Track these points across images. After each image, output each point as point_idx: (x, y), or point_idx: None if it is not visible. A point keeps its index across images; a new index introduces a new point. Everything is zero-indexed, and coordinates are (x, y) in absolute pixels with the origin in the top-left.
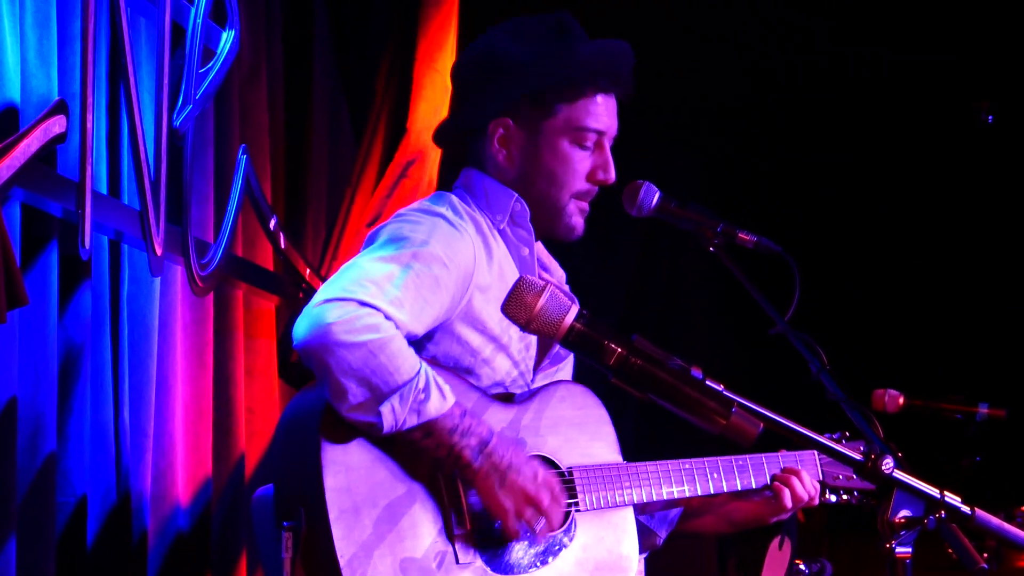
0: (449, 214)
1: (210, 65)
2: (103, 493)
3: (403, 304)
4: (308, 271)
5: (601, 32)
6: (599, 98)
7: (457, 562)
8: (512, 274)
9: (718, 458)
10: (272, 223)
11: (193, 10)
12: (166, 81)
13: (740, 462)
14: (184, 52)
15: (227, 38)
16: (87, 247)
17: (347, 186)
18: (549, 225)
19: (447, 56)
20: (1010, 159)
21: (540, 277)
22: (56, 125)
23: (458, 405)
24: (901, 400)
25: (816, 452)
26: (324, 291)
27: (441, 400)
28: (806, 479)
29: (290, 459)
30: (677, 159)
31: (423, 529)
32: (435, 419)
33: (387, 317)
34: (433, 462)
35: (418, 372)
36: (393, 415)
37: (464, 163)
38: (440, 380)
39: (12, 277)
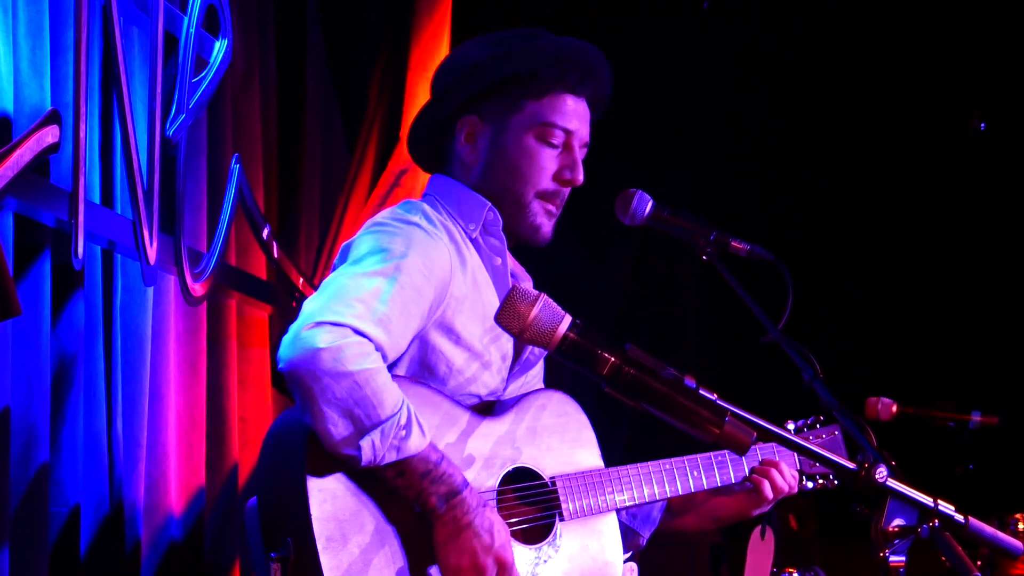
0: (423, 223)
1: (203, 74)
2: (96, 503)
3: (390, 322)
4: (301, 280)
5: (590, 39)
6: (568, 99)
7: None
8: (486, 283)
9: (697, 455)
10: (265, 232)
11: (186, 20)
12: (159, 90)
13: (719, 457)
14: (177, 61)
15: (220, 47)
16: (80, 257)
17: (340, 195)
18: (513, 224)
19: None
20: (1002, 167)
21: (516, 279)
22: (49, 135)
23: (434, 448)
24: (894, 408)
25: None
26: (311, 310)
27: (420, 437)
28: (785, 470)
29: (276, 485)
30: (669, 168)
31: (411, 557)
32: (411, 458)
33: (376, 346)
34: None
35: (400, 408)
36: (372, 450)
37: (433, 170)
38: (420, 418)
39: (5, 287)
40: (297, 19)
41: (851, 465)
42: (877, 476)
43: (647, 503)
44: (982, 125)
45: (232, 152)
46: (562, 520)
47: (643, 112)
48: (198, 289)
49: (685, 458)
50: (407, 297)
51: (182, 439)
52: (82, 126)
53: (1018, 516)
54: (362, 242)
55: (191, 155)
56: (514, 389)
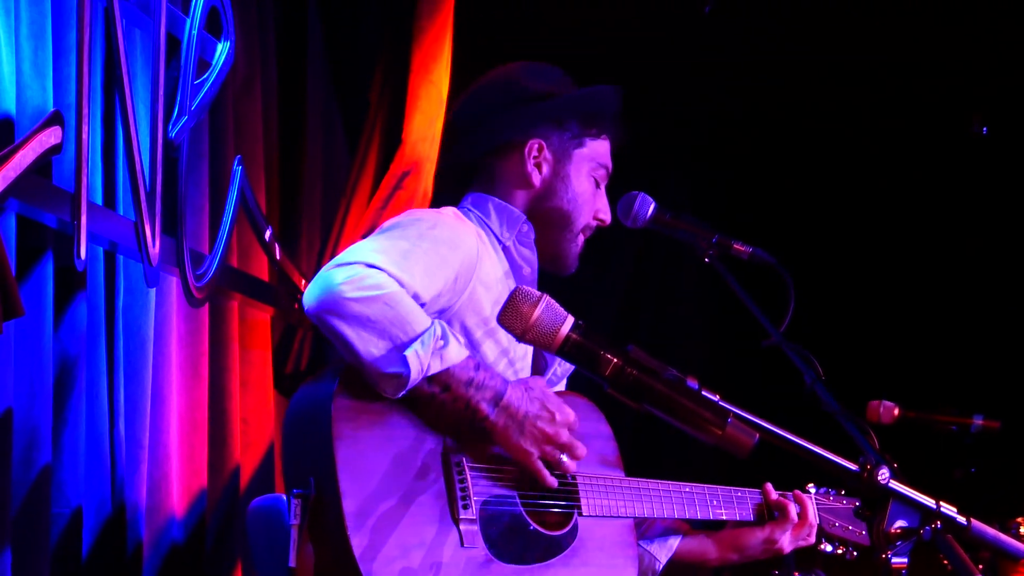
0: (453, 214)
1: (205, 76)
2: (98, 504)
3: (411, 270)
4: (303, 282)
5: (590, 50)
6: (607, 143)
7: (462, 545)
8: (512, 285)
9: (719, 487)
10: (267, 234)
11: (188, 21)
12: (161, 92)
13: (739, 494)
14: (179, 63)
15: (222, 49)
16: (82, 258)
17: (342, 197)
18: (555, 249)
19: (442, 67)
20: (1004, 171)
21: None
22: (51, 136)
23: (472, 357)
24: (896, 411)
25: (813, 496)
26: (330, 263)
27: (459, 347)
28: (808, 504)
29: (301, 437)
30: (670, 171)
31: (430, 510)
32: (453, 369)
33: (393, 277)
34: (453, 423)
35: (434, 321)
36: (418, 360)
37: (463, 189)
38: (454, 332)
39: (7, 288)
40: (299, 22)
41: (853, 467)
42: (879, 478)
43: (663, 527)
44: (983, 129)
45: (234, 154)
46: (580, 515)
47: (645, 115)
48: (200, 291)
49: (707, 487)
50: (430, 260)
51: (184, 441)
52: (84, 127)
53: (1020, 520)
54: (388, 222)
55: (193, 157)
56: None
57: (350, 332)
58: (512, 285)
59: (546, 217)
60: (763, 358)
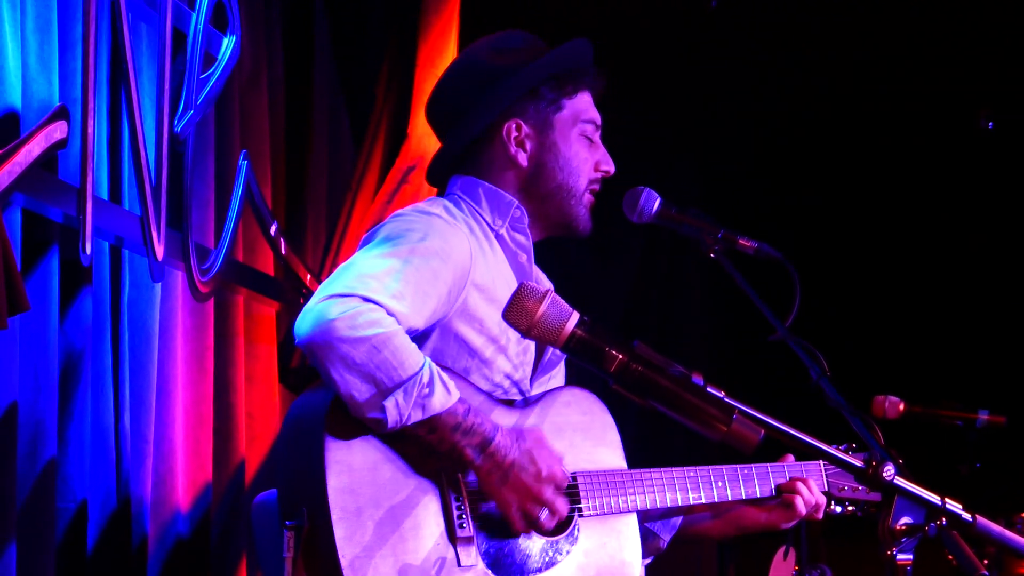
0: (443, 214)
1: (211, 71)
2: (103, 498)
3: (404, 297)
4: (309, 277)
5: (598, 36)
6: (587, 95)
7: (459, 565)
8: (509, 277)
9: (723, 467)
10: (273, 229)
11: (194, 16)
12: (167, 87)
13: (745, 471)
14: (185, 58)
15: (228, 44)
16: (88, 252)
17: (348, 192)
18: (565, 218)
19: (448, 62)
20: (1010, 167)
21: (537, 282)
22: (57, 131)
23: (462, 402)
24: (901, 406)
25: (821, 462)
26: (324, 288)
27: (446, 395)
28: (812, 486)
29: (294, 459)
30: (675, 165)
31: (425, 531)
32: (439, 415)
33: (389, 312)
34: (437, 462)
35: (422, 367)
36: (397, 410)
37: (451, 174)
38: (444, 376)
39: (13, 282)
40: (305, 16)
41: (859, 463)
42: (884, 474)
43: (668, 508)
44: (990, 125)
45: (240, 149)
46: (581, 516)
47: (650, 109)
48: (206, 285)
49: (711, 468)
50: (422, 278)
51: (189, 435)
52: (90, 122)
53: None
54: (380, 231)
55: (199, 151)
56: (538, 387)
57: (335, 373)
58: (508, 277)
59: (545, 191)
60: (769, 353)
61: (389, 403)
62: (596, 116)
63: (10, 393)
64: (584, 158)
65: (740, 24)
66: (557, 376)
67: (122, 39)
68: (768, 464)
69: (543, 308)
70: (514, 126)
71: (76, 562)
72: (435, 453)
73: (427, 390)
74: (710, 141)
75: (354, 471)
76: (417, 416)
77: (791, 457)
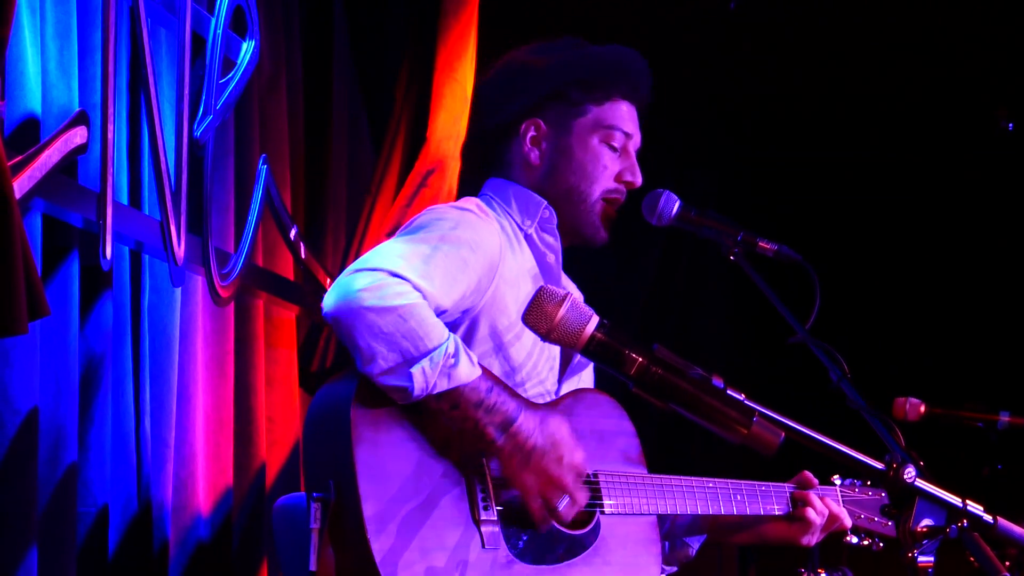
0: (476, 210)
1: (230, 75)
2: (124, 503)
3: (433, 278)
4: (328, 281)
5: (617, 41)
6: (624, 105)
7: (483, 547)
8: (537, 277)
9: (742, 482)
10: (292, 233)
11: (213, 20)
12: (186, 91)
13: (763, 488)
14: (204, 62)
15: (247, 48)
16: (108, 257)
17: (367, 195)
18: (575, 223)
19: (467, 65)
20: None
21: (562, 287)
22: (77, 136)
23: (485, 378)
24: (922, 408)
25: (838, 488)
26: (353, 265)
27: (471, 367)
28: (828, 501)
29: (321, 439)
30: (694, 168)
31: (450, 511)
32: (463, 388)
33: (415, 288)
34: (461, 445)
35: (448, 338)
36: (424, 377)
37: (486, 175)
38: (468, 349)
39: (33, 288)
40: (323, 20)
41: (879, 465)
42: (905, 476)
43: (690, 519)
44: (1010, 125)
45: (259, 153)
46: (603, 514)
47: (670, 112)
48: (226, 290)
49: (730, 481)
50: (452, 264)
51: (210, 439)
52: (110, 127)
53: None
54: (413, 221)
55: (219, 156)
56: (567, 388)
57: (361, 341)
58: (537, 277)
59: (557, 194)
60: (789, 356)
61: (416, 370)
62: (626, 126)
63: (31, 398)
64: (602, 165)
65: (759, 25)
66: (586, 378)
67: (141, 44)
68: (787, 484)
69: (562, 312)
70: (533, 126)
71: (97, 567)
72: (458, 433)
73: (453, 360)
74: (729, 143)
75: (381, 447)
76: (443, 385)
77: (806, 473)
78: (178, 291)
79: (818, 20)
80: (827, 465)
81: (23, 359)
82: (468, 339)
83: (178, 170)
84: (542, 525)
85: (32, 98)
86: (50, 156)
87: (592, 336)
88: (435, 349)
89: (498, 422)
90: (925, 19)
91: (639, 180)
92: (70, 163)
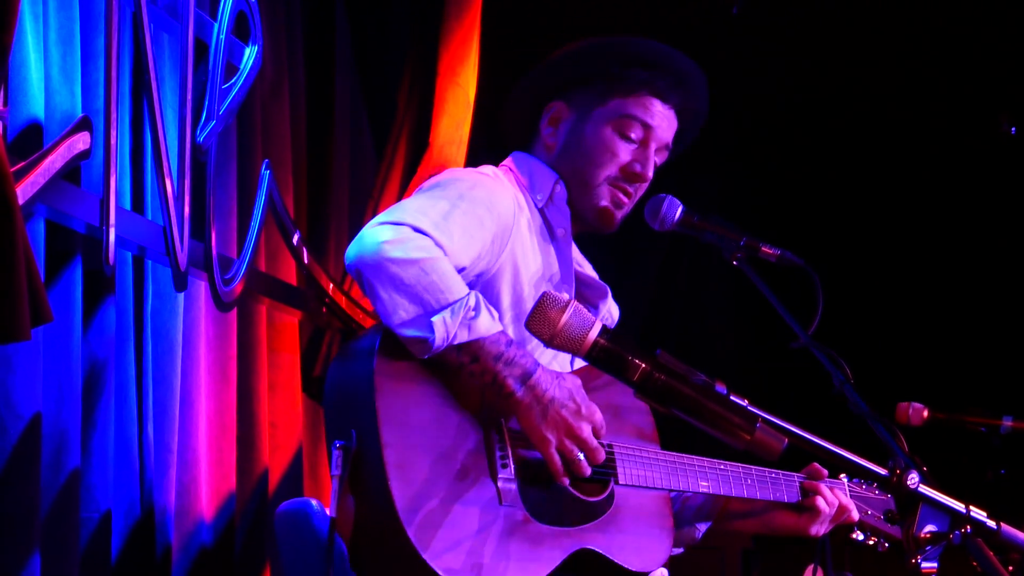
0: (491, 175)
1: (233, 81)
2: (127, 508)
3: (452, 234)
4: (331, 286)
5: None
6: (656, 103)
7: (500, 503)
8: (546, 247)
9: (753, 467)
10: (295, 238)
11: (216, 26)
12: (189, 97)
13: (774, 475)
14: (207, 68)
15: (250, 54)
16: (111, 263)
17: (369, 200)
18: (580, 206)
19: (469, 71)
20: None
21: (575, 262)
22: (80, 141)
23: (504, 334)
24: (925, 413)
25: (845, 482)
26: (376, 219)
27: (491, 320)
28: (837, 491)
29: (343, 391)
30: (696, 174)
31: (470, 466)
32: (483, 341)
33: (437, 243)
34: (480, 400)
35: (469, 292)
36: (445, 327)
37: (516, 146)
38: (489, 305)
39: (36, 293)
40: (326, 25)
41: (882, 471)
42: (909, 482)
43: (699, 503)
44: (1012, 129)
45: (262, 158)
46: (617, 484)
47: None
48: (228, 295)
49: (742, 465)
50: (468, 221)
51: (213, 444)
52: (113, 132)
53: None
54: (430, 180)
55: (221, 161)
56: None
57: (383, 292)
58: (547, 246)
59: (565, 174)
60: (791, 361)
61: (437, 320)
62: (647, 116)
63: (34, 403)
64: (611, 153)
65: (761, 30)
66: None
67: (144, 50)
68: (797, 474)
69: (565, 317)
70: (555, 107)
71: (100, 572)
72: (478, 387)
73: (473, 313)
74: (732, 148)
75: (402, 397)
76: (463, 336)
77: (816, 464)
78: (181, 296)
79: (821, 24)
80: (831, 470)
81: (26, 364)
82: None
83: (181, 175)
84: (559, 477)
85: (35, 104)
86: (53, 162)
87: (595, 342)
88: (456, 302)
89: (518, 375)
90: (929, 24)
91: (648, 173)
92: (73, 168)
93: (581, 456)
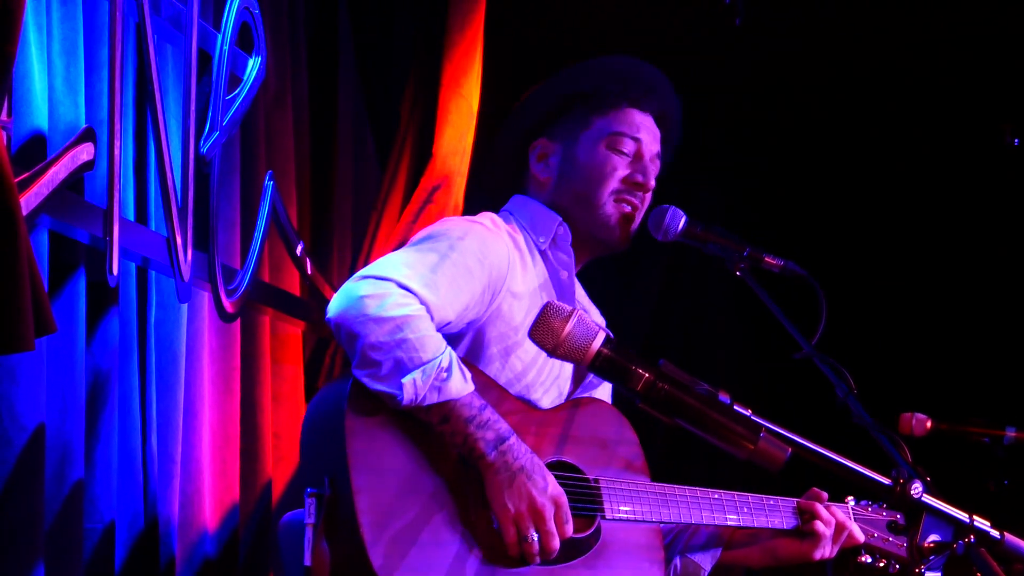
0: (487, 223)
1: (236, 92)
2: (131, 519)
3: (438, 288)
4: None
5: (620, 54)
6: (635, 112)
7: (475, 546)
8: (549, 292)
9: (749, 494)
10: (298, 249)
11: (219, 37)
12: (193, 108)
13: (771, 502)
14: (211, 79)
15: (253, 64)
16: (114, 274)
17: (373, 211)
18: (590, 228)
19: (472, 81)
20: None
21: (577, 303)
22: (84, 152)
23: (478, 397)
24: (929, 424)
25: (849, 505)
26: (359, 273)
27: (463, 382)
28: (834, 509)
29: (317, 437)
30: (700, 185)
31: (446, 508)
32: (454, 403)
33: (421, 301)
34: (449, 453)
35: (443, 352)
36: (414, 388)
37: (510, 193)
38: (464, 367)
39: (40, 304)
40: (329, 36)
41: (886, 481)
42: (912, 492)
43: (706, 538)
44: (1016, 140)
45: (265, 169)
46: (603, 519)
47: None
48: (232, 306)
49: (736, 494)
50: (457, 272)
51: (216, 455)
52: (116, 144)
53: None
54: (423, 232)
55: (225, 172)
56: None
57: (359, 347)
58: (549, 293)
59: (568, 203)
60: (795, 371)
61: (407, 380)
62: (632, 130)
63: (38, 415)
64: (610, 167)
65: (765, 41)
66: (602, 395)
67: (148, 61)
68: (795, 499)
69: (569, 327)
70: (540, 144)
71: None
72: (445, 444)
73: (445, 374)
74: (735, 158)
75: (375, 442)
76: (433, 398)
77: (815, 489)
78: (184, 307)
79: (824, 35)
80: (835, 484)
81: (30, 376)
82: (475, 351)
83: (184, 186)
84: (512, 549)
85: (39, 115)
86: (57, 173)
87: (598, 352)
88: (428, 362)
89: (490, 438)
90: (932, 33)
91: (650, 182)
92: (77, 180)
93: (535, 536)
